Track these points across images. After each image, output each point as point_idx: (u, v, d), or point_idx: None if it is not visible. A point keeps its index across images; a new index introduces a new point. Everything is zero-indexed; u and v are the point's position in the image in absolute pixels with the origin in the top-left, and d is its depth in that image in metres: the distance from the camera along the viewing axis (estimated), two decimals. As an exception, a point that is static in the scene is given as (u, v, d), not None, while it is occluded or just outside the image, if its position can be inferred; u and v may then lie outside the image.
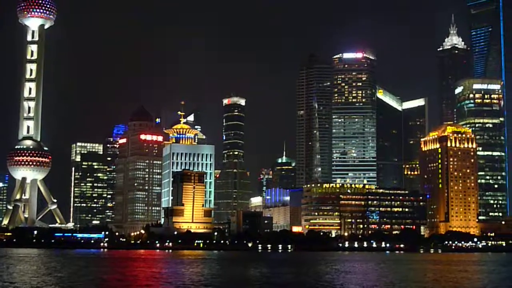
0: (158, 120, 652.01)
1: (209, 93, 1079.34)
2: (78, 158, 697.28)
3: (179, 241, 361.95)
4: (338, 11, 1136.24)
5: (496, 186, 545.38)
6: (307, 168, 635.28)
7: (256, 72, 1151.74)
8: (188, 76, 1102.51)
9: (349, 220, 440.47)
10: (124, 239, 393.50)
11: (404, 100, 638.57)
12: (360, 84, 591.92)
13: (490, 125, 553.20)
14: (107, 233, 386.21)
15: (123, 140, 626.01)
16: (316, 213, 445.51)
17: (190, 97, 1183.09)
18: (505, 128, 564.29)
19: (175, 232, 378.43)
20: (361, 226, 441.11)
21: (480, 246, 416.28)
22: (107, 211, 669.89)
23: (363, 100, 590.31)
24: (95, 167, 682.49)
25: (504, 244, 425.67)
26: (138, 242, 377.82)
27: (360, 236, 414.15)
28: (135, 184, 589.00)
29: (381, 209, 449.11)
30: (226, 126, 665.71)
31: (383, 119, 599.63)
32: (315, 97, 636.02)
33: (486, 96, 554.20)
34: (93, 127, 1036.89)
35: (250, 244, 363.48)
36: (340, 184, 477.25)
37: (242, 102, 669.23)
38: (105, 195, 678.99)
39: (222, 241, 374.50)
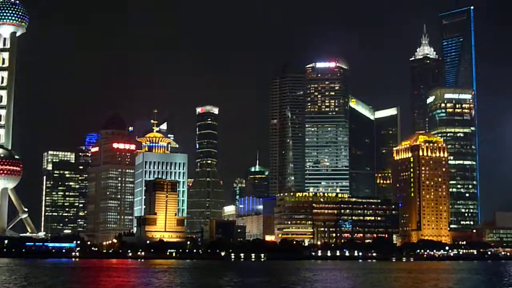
0: (131, 128, 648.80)
1: (182, 102, 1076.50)
2: (49, 167, 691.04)
3: (152, 250, 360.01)
4: (311, 21, 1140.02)
5: (467, 195, 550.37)
6: (280, 177, 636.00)
7: (229, 81, 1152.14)
8: (161, 85, 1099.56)
9: (322, 228, 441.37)
10: (96, 249, 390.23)
11: (376, 109, 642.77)
12: (333, 93, 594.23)
13: (462, 135, 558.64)
14: (78, 242, 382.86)
15: (96, 149, 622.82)
16: (289, 222, 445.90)
17: (163, 105, 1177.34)
18: (476, 138, 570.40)
19: (148, 241, 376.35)
20: (334, 234, 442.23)
21: (451, 254, 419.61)
22: (79, 220, 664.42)
23: (336, 109, 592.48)
24: (67, 175, 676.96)
25: (475, 253, 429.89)
26: (110, 251, 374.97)
27: (332, 245, 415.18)
28: (108, 193, 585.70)
29: (353, 217, 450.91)
30: (199, 135, 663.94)
31: (356, 128, 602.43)
32: (288, 106, 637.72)
33: (457, 106, 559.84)
34: (65, 135, 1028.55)
35: (223, 253, 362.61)
36: (313, 193, 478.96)
37: (216, 110, 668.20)
38: (77, 204, 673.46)
39: (195, 250, 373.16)
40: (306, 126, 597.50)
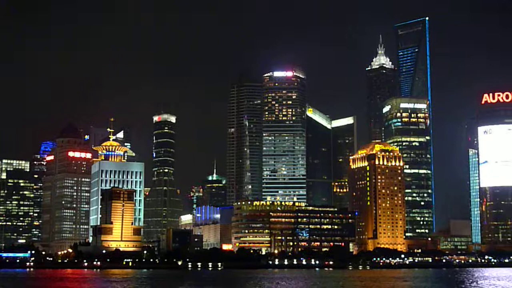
0: (87, 137, 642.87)
1: (139, 110, 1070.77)
2: (3, 175, 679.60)
3: (108, 259, 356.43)
4: (269, 31, 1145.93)
5: (422, 203, 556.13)
6: (238, 186, 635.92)
7: (187, 90, 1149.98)
8: (118, 93, 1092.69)
9: (279, 237, 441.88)
10: (51, 258, 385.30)
11: (333, 118, 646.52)
12: (290, 102, 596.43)
13: (417, 144, 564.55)
14: (33, 252, 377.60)
15: (51, 157, 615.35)
16: (246, 231, 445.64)
17: (120, 114, 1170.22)
18: (431, 147, 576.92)
19: (104, 251, 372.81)
20: (291, 243, 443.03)
21: (407, 262, 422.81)
22: (34, 229, 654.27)
23: (293, 118, 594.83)
24: (22, 184, 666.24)
25: (430, 260, 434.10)
26: (66, 261, 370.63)
27: (289, 253, 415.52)
28: (63, 202, 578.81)
29: (310, 226, 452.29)
30: (156, 143, 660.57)
31: (313, 137, 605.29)
32: (246, 115, 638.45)
33: (412, 115, 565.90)
34: (19, 143, 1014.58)
35: (180, 262, 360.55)
36: (270, 202, 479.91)
37: (173, 119, 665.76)
38: (31, 213, 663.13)
39: (151, 260, 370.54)
40: (264, 135, 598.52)
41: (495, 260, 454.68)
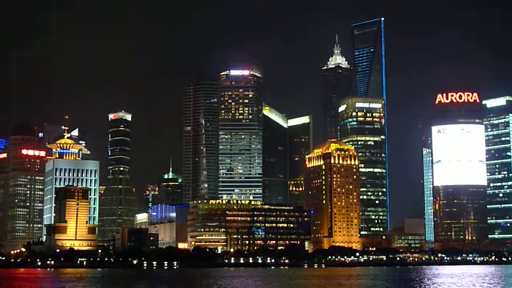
0: (41, 134, 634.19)
1: (94, 108, 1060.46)
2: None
3: (62, 259, 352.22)
4: (225, 30, 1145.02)
5: (377, 202, 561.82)
6: (194, 184, 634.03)
7: (142, 87, 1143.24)
8: (73, 91, 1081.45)
9: (235, 236, 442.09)
10: (3, 258, 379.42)
11: (289, 117, 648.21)
12: (247, 101, 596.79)
13: (372, 143, 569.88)
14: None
15: (4, 155, 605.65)
16: (202, 229, 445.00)
17: (74, 111, 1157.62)
18: (386, 146, 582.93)
19: (58, 250, 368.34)
20: (247, 242, 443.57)
21: (362, 260, 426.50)
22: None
23: (250, 117, 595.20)
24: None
25: (384, 258, 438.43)
26: (18, 260, 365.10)
27: (245, 252, 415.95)
28: (16, 201, 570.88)
29: (266, 225, 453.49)
30: (112, 142, 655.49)
31: (269, 135, 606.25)
32: (202, 113, 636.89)
33: (368, 115, 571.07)
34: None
35: (135, 261, 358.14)
36: (226, 200, 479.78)
37: (128, 117, 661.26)
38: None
39: (106, 259, 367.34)
40: (220, 133, 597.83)
41: (448, 258, 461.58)
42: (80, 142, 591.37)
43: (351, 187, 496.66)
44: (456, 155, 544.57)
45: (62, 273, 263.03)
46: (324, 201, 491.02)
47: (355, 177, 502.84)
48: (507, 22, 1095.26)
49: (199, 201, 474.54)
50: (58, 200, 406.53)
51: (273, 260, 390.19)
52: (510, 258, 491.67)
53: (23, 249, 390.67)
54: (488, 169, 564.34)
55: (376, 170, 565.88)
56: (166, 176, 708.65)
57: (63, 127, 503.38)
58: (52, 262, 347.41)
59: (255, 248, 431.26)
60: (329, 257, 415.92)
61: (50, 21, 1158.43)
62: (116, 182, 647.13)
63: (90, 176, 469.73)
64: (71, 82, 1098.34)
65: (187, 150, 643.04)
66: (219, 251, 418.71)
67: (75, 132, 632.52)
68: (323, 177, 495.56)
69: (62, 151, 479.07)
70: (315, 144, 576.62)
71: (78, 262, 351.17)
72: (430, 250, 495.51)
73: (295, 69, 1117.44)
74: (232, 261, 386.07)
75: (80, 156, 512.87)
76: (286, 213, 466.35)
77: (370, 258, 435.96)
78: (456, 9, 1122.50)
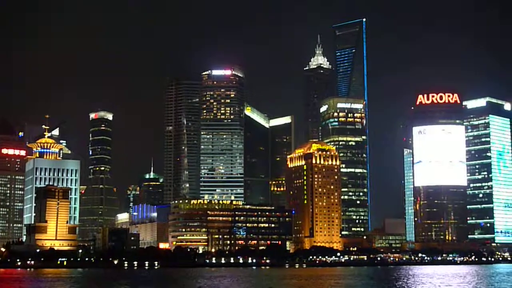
0: (21, 134, 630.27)
1: (75, 108, 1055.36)
2: None
3: (42, 259, 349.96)
4: (207, 30, 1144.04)
5: (358, 202, 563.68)
6: (175, 184, 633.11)
7: (124, 87, 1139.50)
8: (54, 90, 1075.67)
9: (216, 236, 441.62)
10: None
11: (271, 117, 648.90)
12: (229, 101, 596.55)
13: (353, 143, 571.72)
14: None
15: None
16: (184, 229, 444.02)
17: (55, 111, 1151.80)
18: (367, 146, 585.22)
19: (38, 250, 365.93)
20: (228, 242, 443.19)
21: (343, 260, 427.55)
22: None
23: (231, 116, 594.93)
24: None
25: (365, 258, 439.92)
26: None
27: (227, 252, 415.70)
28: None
29: (248, 225, 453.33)
30: (93, 141, 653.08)
31: (251, 136, 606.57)
32: (184, 113, 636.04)
33: (349, 115, 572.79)
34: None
35: (116, 262, 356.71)
36: (208, 200, 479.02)
37: (110, 116, 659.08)
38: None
39: (87, 259, 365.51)
40: (202, 133, 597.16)
41: (428, 258, 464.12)
42: (61, 141, 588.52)
43: (332, 187, 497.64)
44: (437, 156, 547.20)
45: (42, 273, 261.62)
46: (305, 201, 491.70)
47: (336, 177, 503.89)
48: (490, 23, 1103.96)
49: (181, 201, 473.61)
50: (39, 199, 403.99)
51: (254, 260, 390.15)
52: (489, 258, 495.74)
53: (3, 249, 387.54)
54: (468, 170, 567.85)
55: (357, 170, 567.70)
56: (147, 176, 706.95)
57: (43, 126, 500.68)
58: (32, 262, 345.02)
59: (237, 248, 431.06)
60: (310, 257, 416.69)
61: (24, 22, 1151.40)
62: (97, 182, 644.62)
63: (71, 175, 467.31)
64: (53, 81, 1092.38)
65: (168, 150, 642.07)
66: (200, 251, 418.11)
67: (56, 132, 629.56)
68: (305, 177, 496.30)
69: (42, 150, 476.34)
70: (297, 144, 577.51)
71: (59, 262, 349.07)
72: (410, 250, 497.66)
73: (277, 70, 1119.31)
74: (214, 261, 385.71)
75: (61, 156, 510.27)
76: (267, 213, 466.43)
77: (351, 258, 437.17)
78: (436, 10, 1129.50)
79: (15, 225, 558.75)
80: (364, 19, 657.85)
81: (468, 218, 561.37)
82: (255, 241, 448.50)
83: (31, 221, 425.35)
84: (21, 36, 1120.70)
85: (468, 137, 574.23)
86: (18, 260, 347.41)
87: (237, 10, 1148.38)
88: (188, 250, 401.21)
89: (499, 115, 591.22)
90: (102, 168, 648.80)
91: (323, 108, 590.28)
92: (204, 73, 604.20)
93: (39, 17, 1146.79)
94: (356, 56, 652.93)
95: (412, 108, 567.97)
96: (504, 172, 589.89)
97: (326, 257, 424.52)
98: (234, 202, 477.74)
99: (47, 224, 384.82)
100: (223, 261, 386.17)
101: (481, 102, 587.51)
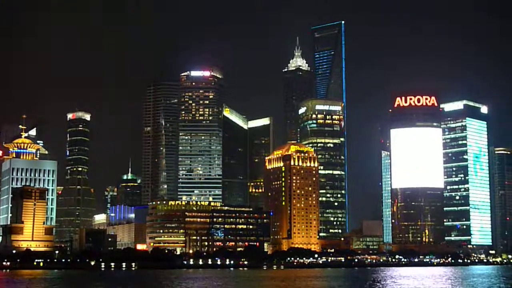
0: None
1: (52, 108, 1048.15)
2: None
3: (18, 260, 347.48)
4: (186, 30, 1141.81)
5: (336, 203, 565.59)
6: (153, 185, 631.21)
7: (102, 87, 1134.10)
8: (31, 89, 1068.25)
9: (194, 237, 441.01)
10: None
11: (249, 119, 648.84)
12: (207, 102, 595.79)
13: (331, 145, 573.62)
14: None
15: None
16: (161, 231, 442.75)
17: (32, 110, 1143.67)
18: (345, 148, 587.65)
19: (14, 251, 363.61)
20: (206, 243, 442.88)
21: (320, 262, 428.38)
22: None
23: (210, 118, 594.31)
24: None
25: (343, 260, 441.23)
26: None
27: (204, 253, 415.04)
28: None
29: (226, 226, 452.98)
30: (70, 142, 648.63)
31: (229, 137, 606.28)
32: (162, 114, 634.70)
33: (328, 117, 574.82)
34: None
35: (93, 263, 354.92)
36: (186, 202, 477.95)
37: (87, 117, 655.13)
38: None
39: (63, 260, 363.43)
40: (180, 134, 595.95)
41: (405, 260, 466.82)
42: (38, 141, 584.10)
43: (310, 189, 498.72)
44: (414, 158, 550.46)
45: (18, 275, 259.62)
46: (283, 203, 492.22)
47: (314, 179, 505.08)
48: (466, 24, 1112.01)
49: (158, 202, 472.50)
50: (15, 200, 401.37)
51: (232, 262, 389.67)
52: (466, 260, 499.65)
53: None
54: (445, 172, 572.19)
55: (335, 172, 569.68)
56: (125, 177, 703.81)
57: (20, 126, 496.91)
58: (8, 263, 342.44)
59: (214, 249, 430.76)
60: (288, 258, 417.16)
61: (11, 22, 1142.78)
62: (74, 183, 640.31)
63: (48, 176, 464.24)
64: (29, 81, 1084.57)
65: (146, 151, 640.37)
66: (178, 252, 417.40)
67: (33, 132, 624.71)
68: (283, 179, 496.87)
69: (19, 150, 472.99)
70: (275, 146, 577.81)
71: (35, 263, 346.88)
72: (387, 251, 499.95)
73: (256, 71, 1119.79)
74: (191, 262, 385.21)
75: (38, 156, 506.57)
76: (245, 215, 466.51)
77: (329, 260, 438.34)
78: (415, 12, 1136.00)
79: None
80: (343, 21, 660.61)
81: (444, 220, 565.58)
82: (233, 243, 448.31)
83: (7, 222, 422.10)
84: (3, 36, 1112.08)
85: (445, 139, 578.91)
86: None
87: (216, 11, 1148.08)
88: (166, 251, 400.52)
89: (476, 118, 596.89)
90: (80, 169, 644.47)
91: (301, 110, 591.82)
92: (182, 74, 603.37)
93: (22, 17, 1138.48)
94: (334, 58, 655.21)
95: (390, 110, 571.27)
96: (481, 175, 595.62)
97: (304, 258, 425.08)
98: (212, 203, 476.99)
99: (23, 225, 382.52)
100: (200, 262, 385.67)
101: (458, 105, 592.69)
